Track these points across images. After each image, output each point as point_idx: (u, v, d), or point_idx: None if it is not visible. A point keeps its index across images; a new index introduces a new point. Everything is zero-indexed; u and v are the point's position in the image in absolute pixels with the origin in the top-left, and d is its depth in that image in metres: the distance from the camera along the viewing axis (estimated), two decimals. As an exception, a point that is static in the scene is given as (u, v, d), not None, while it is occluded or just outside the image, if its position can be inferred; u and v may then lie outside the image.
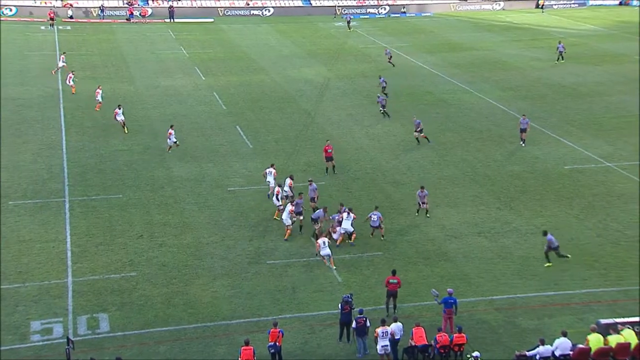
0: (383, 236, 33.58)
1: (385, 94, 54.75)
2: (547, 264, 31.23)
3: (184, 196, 37.89)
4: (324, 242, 30.95)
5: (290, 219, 33.33)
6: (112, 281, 29.69)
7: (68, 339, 25.01)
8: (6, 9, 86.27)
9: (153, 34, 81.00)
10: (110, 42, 76.60)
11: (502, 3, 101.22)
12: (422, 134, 46.08)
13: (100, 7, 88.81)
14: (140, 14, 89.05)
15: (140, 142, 45.76)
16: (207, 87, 59.44)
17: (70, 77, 56.01)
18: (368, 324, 25.28)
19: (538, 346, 24.40)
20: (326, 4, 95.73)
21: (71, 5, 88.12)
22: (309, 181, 36.40)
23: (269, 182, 37.23)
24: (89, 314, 27.56)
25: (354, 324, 25.42)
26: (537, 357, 24.41)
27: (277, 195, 35.47)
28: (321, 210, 33.81)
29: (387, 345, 24.58)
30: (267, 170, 37.69)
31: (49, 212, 35.96)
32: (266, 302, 28.45)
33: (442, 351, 24.99)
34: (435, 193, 37.73)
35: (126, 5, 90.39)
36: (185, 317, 27.58)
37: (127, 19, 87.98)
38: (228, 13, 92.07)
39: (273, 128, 48.97)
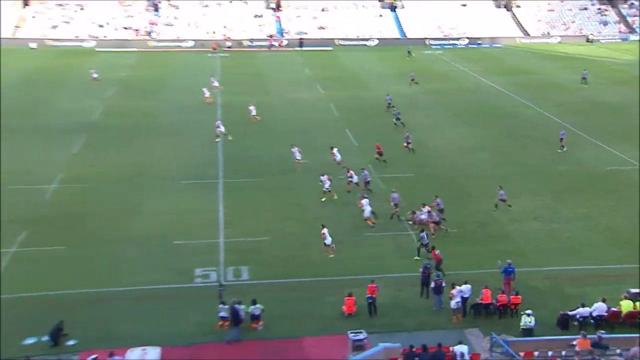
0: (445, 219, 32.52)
1: (393, 107, 52.85)
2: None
3: (306, 181, 38.15)
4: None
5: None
6: (251, 243, 30.30)
7: (220, 283, 25.77)
8: (187, 42, 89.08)
9: (286, 59, 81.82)
10: (254, 65, 77.88)
11: (559, 38, 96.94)
12: (410, 145, 43.69)
13: (249, 39, 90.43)
14: (277, 44, 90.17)
15: (274, 139, 46.31)
16: (325, 99, 59.61)
17: (210, 88, 57.85)
18: (443, 284, 24.89)
19: (578, 308, 23.50)
20: (417, 36, 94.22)
21: (229, 38, 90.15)
22: (392, 190, 34.49)
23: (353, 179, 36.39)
24: (235, 266, 28.26)
25: (432, 284, 25.07)
26: (577, 316, 23.55)
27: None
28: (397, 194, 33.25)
29: (459, 302, 24.21)
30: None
31: (208, 190, 36.96)
32: (365, 265, 28.37)
33: (501, 309, 24.47)
34: (502, 185, 36.62)
35: (268, 38, 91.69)
36: (303, 273, 27.85)
37: (268, 48, 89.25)
38: (343, 43, 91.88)
39: (373, 131, 48.66)
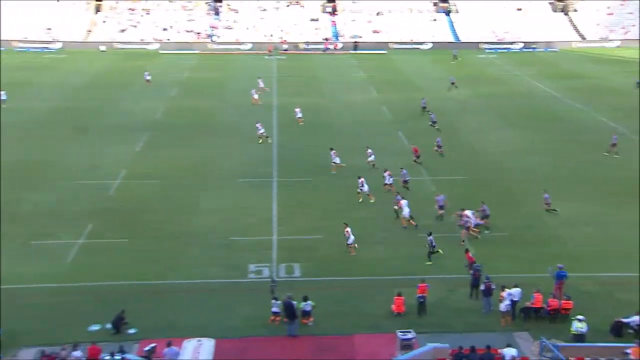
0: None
1: (429, 111, 51.91)
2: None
3: (357, 181, 38.00)
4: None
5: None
6: (303, 241, 30.36)
7: (273, 279, 25.92)
8: (245, 44, 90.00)
9: (340, 62, 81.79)
10: (310, 67, 78.16)
11: (617, 42, 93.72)
12: (441, 149, 42.77)
13: (305, 42, 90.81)
14: (333, 47, 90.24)
15: (326, 141, 46.07)
16: (378, 102, 59.30)
17: (258, 89, 58.27)
18: (493, 287, 24.40)
19: (634, 315, 22.67)
20: (471, 40, 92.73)
21: (285, 41, 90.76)
22: (437, 193, 34.13)
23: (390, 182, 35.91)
24: (287, 263, 28.37)
25: (482, 287, 24.60)
26: (632, 323, 22.69)
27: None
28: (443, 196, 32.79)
29: (509, 304, 23.70)
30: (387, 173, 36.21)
31: (262, 188, 37.25)
32: (415, 265, 28.06)
33: (552, 313, 23.79)
34: (552, 189, 35.64)
35: (323, 41, 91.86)
36: (353, 271, 27.74)
37: (323, 51, 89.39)
38: (397, 47, 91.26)
39: (426, 133, 48.13)
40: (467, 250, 27.69)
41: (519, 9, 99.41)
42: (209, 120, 51.82)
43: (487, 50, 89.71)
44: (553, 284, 25.22)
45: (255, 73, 72.16)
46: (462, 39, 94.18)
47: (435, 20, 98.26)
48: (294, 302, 23.37)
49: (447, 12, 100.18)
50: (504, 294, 23.81)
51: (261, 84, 61.26)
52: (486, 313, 24.44)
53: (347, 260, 28.68)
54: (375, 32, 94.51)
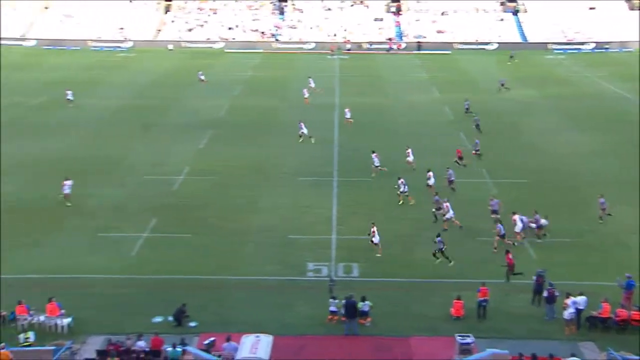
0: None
1: (472, 113, 50.67)
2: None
3: (416, 182, 37.60)
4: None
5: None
6: (361, 241, 30.19)
7: (331, 278, 26.02)
8: (308, 44, 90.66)
9: (404, 62, 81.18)
10: (373, 67, 77.91)
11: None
12: (478, 152, 41.85)
13: (369, 42, 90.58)
14: (396, 47, 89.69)
15: (386, 140, 45.99)
16: (440, 102, 58.56)
17: (309, 89, 58.30)
18: (557, 293, 23.73)
19: None
20: (539, 40, 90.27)
21: (349, 41, 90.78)
22: (491, 197, 33.31)
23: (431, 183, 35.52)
24: (346, 263, 28.43)
25: (545, 293, 23.96)
26: None
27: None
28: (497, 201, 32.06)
29: (573, 312, 23.00)
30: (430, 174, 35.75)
31: (322, 187, 37.42)
32: (474, 268, 27.60)
33: (621, 324, 22.91)
34: (617, 194, 34.36)
35: (387, 41, 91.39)
36: (412, 273, 27.54)
37: (386, 51, 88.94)
38: (461, 47, 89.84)
39: (487, 135, 47.18)
40: (507, 252, 27.01)
41: (592, 8, 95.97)
42: (271, 119, 52.45)
43: (556, 51, 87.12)
44: (621, 293, 24.31)
45: (317, 73, 72.53)
46: (530, 39, 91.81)
47: (502, 20, 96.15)
48: (355, 301, 23.38)
49: (515, 12, 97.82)
50: (568, 301, 23.11)
51: (312, 84, 61.18)
52: (549, 320, 23.79)
53: (405, 261, 28.50)
54: (439, 32, 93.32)
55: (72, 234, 31.18)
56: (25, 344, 21.76)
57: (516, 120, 51.40)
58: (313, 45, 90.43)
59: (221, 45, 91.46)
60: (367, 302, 23.76)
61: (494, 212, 31.75)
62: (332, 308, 23.96)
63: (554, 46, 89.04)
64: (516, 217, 29.99)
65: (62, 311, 23.58)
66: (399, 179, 34.80)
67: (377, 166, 38.58)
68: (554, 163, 41.19)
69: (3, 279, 26.62)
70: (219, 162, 41.87)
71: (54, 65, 76.59)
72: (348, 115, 50.52)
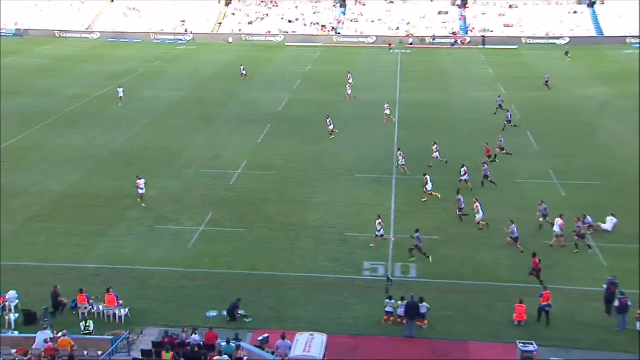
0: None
1: (505, 109, 49.52)
2: None
3: (479, 183, 37.00)
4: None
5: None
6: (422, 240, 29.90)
7: (388, 278, 25.82)
8: (370, 37, 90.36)
9: (468, 57, 79.78)
10: (436, 62, 76.90)
11: None
12: (503, 151, 40.65)
13: (432, 36, 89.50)
14: (461, 42, 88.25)
15: (449, 138, 45.42)
16: (506, 99, 56.91)
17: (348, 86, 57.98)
18: (629, 303, 22.81)
19: None
20: (617, 34, 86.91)
21: (412, 34, 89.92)
22: (540, 202, 31.93)
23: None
24: (403, 262, 28.18)
25: (616, 302, 23.08)
26: None
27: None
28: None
29: (647, 324, 22.10)
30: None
31: (381, 185, 37.21)
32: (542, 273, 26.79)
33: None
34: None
35: (451, 35, 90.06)
36: (472, 275, 27.08)
37: (451, 45, 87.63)
38: (530, 42, 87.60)
39: (557, 135, 45.84)
40: (534, 255, 26.26)
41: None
42: (330, 114, 52.36)
43: (635, 45, 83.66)
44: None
45: (378, 67, 72.24)
46: (606, 33, 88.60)
47: (575, 12, 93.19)
48: (417, 303, 23.14)
49: (591, 4, 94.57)
50: (641, 312, 22.22)
51: (350, 80, 60.63)
52: (620, 331, 22.92)
53: (465, 263, 28.02)
54: (506, 26, 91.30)
55: (132, 226, 32.05)
56: (85, 332, 22.62)
57: (590, 120, 49.76)
58: (374, 39, 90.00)
59: (281, 38, 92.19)
60: (425, 304, 23.49)
61: (544, 216, 30.81)
62: (388, 309, 23.81)
63: (634, 40, 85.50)
64: (559, 219, 29.18)
65: (120, 302, 24.31)
66: (425, 175, 34.72)
67: (401, 164, 38.25)
68: (629, 166, 39.55)
69: (64, 267, 27.68)
70: (276, 156, 42.22)
71: (117, 58, 78.96)
72: (388, 112, 49.87)
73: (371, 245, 29.38)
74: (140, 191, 34.02)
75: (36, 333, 21.18)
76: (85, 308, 24.18)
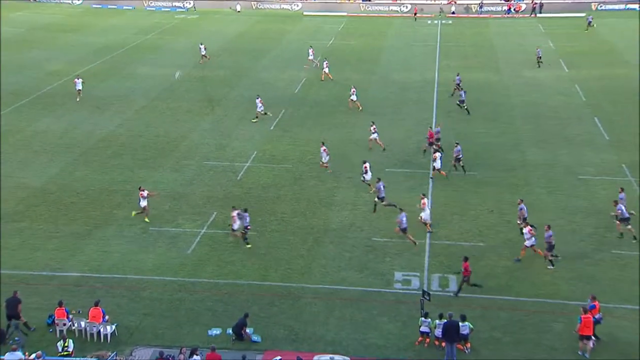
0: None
1: (463, 89, 49.22)
2: None
3: (535, 179, 36.80)
4: None
5: None
6: (462, 248, 29.92)
7: (424, 291, 25.82)
8: (403, 6, 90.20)
9: (523, 28, 79.15)
10: (483, 34, 76.48)
11: None
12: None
13: (479, 4, 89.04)
14: (515, 10, 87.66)
15: (497, 126, 45.30)
16: (568, 79, 56.77)
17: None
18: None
19: None
20: None
21: (455, 2, 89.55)
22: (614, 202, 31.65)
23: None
24: (442, 274, 28.20)
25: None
26: None
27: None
28: None
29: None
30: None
31: (415, 181, 37.20)
32: (606, 289, 26.68)
33: None
34: None
35: (502, 2, 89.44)
36: (525, 290, 26.98)
37: (505, 14, 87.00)
38: (602, 7, 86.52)
39: (632, 121, 45.39)
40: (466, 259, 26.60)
41: None
42: (355, 89, 52.35)
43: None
44: None
45: (413, 41, 72.00)
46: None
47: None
48: (457, 322, 23.14)
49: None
50: None
51: (311, 55, 60.78)
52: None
53: (516, 275, 27.95)
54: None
55: (122, 227, 32.41)
56: (64, 353, 22.69)
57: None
58: (409, 7, 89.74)
59: (299, 6, 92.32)
60: (466, 324, 23.48)
61: (622, 220, 30.46)
62: (424, 328, 23.84)
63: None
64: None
65: (106, 317, 24.38)
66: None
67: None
68: None
69: (40, 276, 28.08)
70: (292, 146, 42.39)
71: (105, 27, 79.71)
72: (354, 97, 49.06)
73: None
74: (142, 204, 32.72)
75: (4, 355, 21.33)
76: (64, 324, 24.23)
